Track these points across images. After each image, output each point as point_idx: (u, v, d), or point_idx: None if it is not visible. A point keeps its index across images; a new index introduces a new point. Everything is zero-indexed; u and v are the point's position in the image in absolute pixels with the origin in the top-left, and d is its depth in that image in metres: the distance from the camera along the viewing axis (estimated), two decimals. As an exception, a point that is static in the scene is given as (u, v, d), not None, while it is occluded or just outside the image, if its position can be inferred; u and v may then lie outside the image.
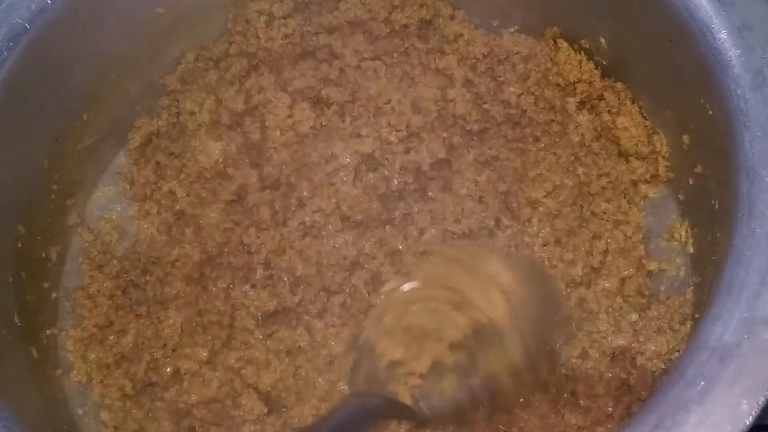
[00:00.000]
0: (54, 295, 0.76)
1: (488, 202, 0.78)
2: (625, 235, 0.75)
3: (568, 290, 0.74)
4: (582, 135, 0.78)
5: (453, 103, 0.80)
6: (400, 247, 0.77)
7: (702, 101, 0.66)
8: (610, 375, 0.69)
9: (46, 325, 0.74)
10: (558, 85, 0.79)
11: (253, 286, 0.76)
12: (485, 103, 0.80)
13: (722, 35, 0.64)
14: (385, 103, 0.80)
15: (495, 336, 0.71)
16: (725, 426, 0.52)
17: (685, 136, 0.72)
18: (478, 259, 0.73)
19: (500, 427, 0.70)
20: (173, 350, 0.73)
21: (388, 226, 0.78)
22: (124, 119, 0.81)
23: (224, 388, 0.71)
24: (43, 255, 0.76)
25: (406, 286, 0.75)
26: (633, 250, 0.75)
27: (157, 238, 0.79)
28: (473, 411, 0.70)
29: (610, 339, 0.70)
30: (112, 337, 0.74)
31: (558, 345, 0.72)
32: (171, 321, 0.74)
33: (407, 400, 0.70)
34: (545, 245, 0.76)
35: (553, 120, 0.79)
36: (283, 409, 0.72)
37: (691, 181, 0.72)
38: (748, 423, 0.52)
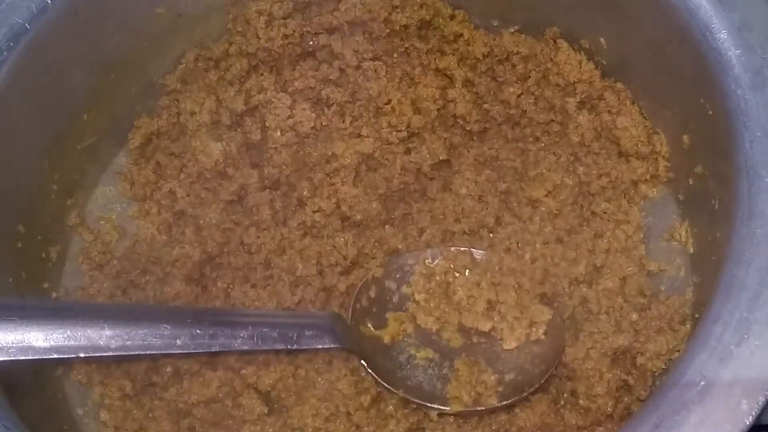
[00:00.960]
0: (54, 295, 0.76)
1: (488, 201, 0.78)
2: (627, 235, 0.75)
3: (571, 288, 0.74)
4: (582, 135, 0.78)
5: (453, 103, 0.80)
6: (400, 247, 0.77)
7: (702, 101, 0.66)
8: (610, 375, 0.69)
9: (46, 325, 0.74)
10: (558, 85, 0.79)
11: (253, 286, 0.76)
12: (485, 103, 0.80)
13: (722, 35, 0.64)
14: (385, 103, 0.80)
15: (489, 356, 0.72)
16: (725, 426, 0.52)
17: (685, 136, 0.72)
18: (533, 294, 0.73)
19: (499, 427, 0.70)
20: (173, 350, 0.73)
21: (388, 226, 0.78)
22: (124, 119, 0.81)
23: (224, 388, 0.71)
24: (43, 255, 0.75)
25: (478, 254, 0.75)
26: (634, 250, 0.75)
27: (157, 238, 0.79)
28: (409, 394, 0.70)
29: (611, 339, 0.70)
30: (112, 337, 0.74)
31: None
32: (171, 321, 0.73)
33: (386, 337, 0.73)
34: (546, 243, 0.76)
35: (553, 120, 0.79)
36: (283, 409, 0.72)
37: (691, 181, 0.72)
38: (748, 423, 0.52)
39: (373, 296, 0.75)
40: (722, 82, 0.63)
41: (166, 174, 0.80)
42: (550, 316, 0.71)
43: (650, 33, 0.71)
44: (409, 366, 0.72)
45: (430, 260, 0.75)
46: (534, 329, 0.71)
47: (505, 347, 0.71)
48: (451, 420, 0.70)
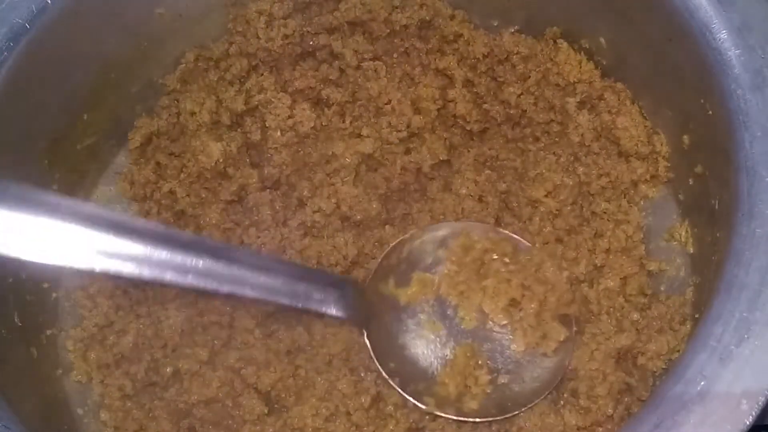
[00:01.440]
0: (54, 295, 0.76)
1: (488, 201, 0.78)
2: (627, 235, 0.75)
3: (572, 288, 0.74)
4: (582, 135, 0.78)
5: (453, 103, 0.80)
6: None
7: (702, 101, 0.66)
8: (614, 378, 0.69)
9: (46, 325, 0.74)
10: (558, 85, 0.79)
11: (253, 286, 0.76)
12: (485, 103, 0.80)
13: (722, 35, 0.64)
14: (385, 104, 0.80)
15: (494, 348, 0.72)
16: (725, 426, 0.52)
17: (685, 136, 0.72)
18: (555, 312, 0.72)
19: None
20: (173, 350, 0.73)
21: (388, 226, 0.78)
22: (124, 119, 0.81)
23: (224, 388, 0.71)
24: (43, 255, 0.75)
25: (523, 245, 0.74)
26: (634, 250, 0.75)
27: (157, 238, 0.79)
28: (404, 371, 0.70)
29: (613, 340, 0.70)
30: (112, 337, 0.74)
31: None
32: (171, 321, 0.74)
33: (403, 297, 0.72)
34: (546, 243, 0.76)
35: (553, 120, 0.79)
36: (283, 409, 0.72)
37: (691, 181, 0.72)
38: (748, 423, 0.52)
39: (404, 255, 0.75)
40: (722, 82, 0.63)
41: (166, 174, 0.80)
42: (563, 338, 0.70)
43: (650, 33, 0.71)
44: (413, 334, 0.72)
45: (474, 234, 0.75)
46: (545, 342, 0.70)
47: (513, 347, 0.71)
48: (451, 420, 0.70)
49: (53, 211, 0.56)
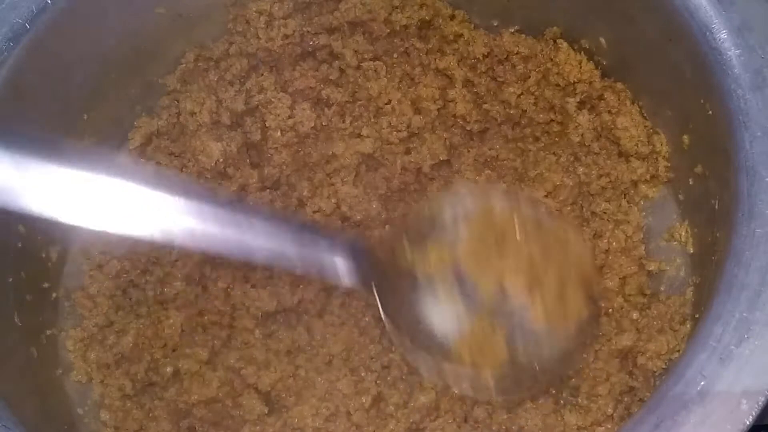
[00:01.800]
0: (54, 295, 0.76)
1: (488, 201, 0.78)
2: (626, 235, 0.75)
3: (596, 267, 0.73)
4: (582, 135, 0.78)
5: (453, 103, 0.80)
6: (401, 247, 0.77)
7: (702, 101, 0.66)
8: (617, 379, 0.68)
9: (46, 325, 0.74)
10: (558, 85, 0.79)
11: (253, 286, 0.76)
12: (485, 103, 0.80)
13: (722, 35, 0.64)
14: (385, 104, 0.80)
15: (512, 320, 0.69)
16: (725, 426, 0.52)
17: (685, 136, 0.72)
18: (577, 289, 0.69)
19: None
20: (173, 350, 0.73)
21: (388, 226, 0.78)
22: (124, 119, 0.81)
23: (224, 388, 0.71)
24: (43, 255, 0.75)
25: (548, 212, 0.72)
26: (634, 250, 0.75)
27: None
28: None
29: (614, 341, 0.70)
30: (112, 337, 0.74)
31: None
32: (171, 321, 0.74)
33: (420, 266, 0.68)
34: (546, 244, 0.76)
35: (553, 120, 0.79)
36: (283, 409, 0.72)
37: (691, 181, 0.72)
38: (748, 423, 0.52)
39: (422, 222, 0.70)
40: (722, 82, 0.63)
41: (166, 174, 0.80)
42: (585, 316, 0.67)
43: (650, 33, 0.71)
44: (429, 304, 0.68)
45: (496, 200, 0.70)
46: (565, 319, 0.67)
47: (532, 321, 0.67)
48: (451, 420, 0.70)
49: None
